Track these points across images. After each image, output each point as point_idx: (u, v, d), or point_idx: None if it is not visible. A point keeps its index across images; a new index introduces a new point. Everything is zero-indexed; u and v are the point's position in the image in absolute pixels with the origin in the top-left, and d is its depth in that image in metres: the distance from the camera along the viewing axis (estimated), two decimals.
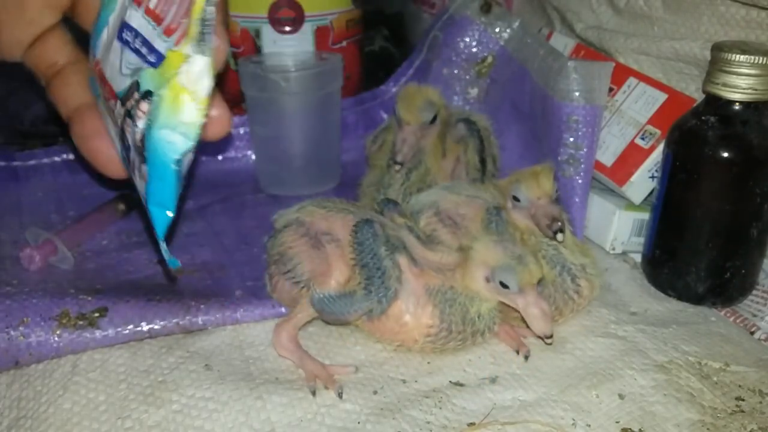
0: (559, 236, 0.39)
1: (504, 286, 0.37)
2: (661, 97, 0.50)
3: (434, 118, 0.50)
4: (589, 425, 0.35)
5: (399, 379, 0.38)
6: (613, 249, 0.51)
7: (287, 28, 0.64)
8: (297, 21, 0.64)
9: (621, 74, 0.53)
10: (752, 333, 0.43)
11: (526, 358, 0.40)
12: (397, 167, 0.49)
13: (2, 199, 0.57)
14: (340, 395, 0.37)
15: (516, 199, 0.41)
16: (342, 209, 0.42)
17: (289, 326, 0.40)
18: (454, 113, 0.53)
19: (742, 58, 0.40)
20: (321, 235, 0.40)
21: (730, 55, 0.40)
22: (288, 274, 0.41)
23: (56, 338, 0.40)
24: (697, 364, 0.39)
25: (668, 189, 0.44)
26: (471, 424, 0.35)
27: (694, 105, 0.45)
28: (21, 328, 0.39)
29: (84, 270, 0.48)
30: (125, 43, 0.31)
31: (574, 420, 0.35)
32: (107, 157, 0.32)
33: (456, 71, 0.63)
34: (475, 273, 0.38)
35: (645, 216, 0.50)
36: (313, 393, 0.37)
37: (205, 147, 0.64)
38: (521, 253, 0.37)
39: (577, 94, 0.49)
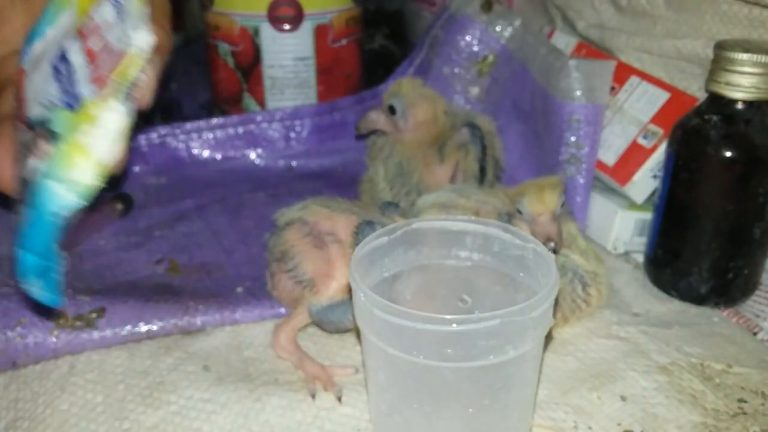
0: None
1: None
2: (664, 96, 0.50)
3: (393, 110, 0.51)
4: (591, 428, 0.35)
5: None
6: (615, 249, 0.51)
7: (286, 27, 0.64)
8: (296, 19, 0.64)
9: (623, 73, 0.53)
10: (755, 334, 0.43)
11: None
12: (356, 132, 0.53)
13: None
14: (339, 399, 0.36)
15: (519, 212, 0.41)
16: (345, 209, 0.41)
17: (288, 327, 0.40)
18: (459, 115, 0.52)
19: (745, 56, 0.40)
20: (324, 235, 0.40)
21: (732, 53, 0.40)
22: (290, 273, 0.40)
23: (54, 339, 0.39)
24: (699, 366, 0.39)
25: (671, 188, 0.44)
26: None
27: (697, 104, 0.45)
28: (18, 329, 0.39)
29: (82, 270, 0.47)
30: (56, 72, 0.30)
31: (575, 422, 0.35)
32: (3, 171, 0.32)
33: (457, 70, 0.63)
34: None
35: (647, 216, 0.49)
36: (313, 396, 0.37)
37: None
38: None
39: (578, 93, 0.48)
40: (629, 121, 0.51)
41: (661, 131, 0.49)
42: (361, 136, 0.55)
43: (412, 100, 0.51)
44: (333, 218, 0.41)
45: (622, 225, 0.50)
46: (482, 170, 0.50)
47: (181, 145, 0.63)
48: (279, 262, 0.41)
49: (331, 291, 0.39)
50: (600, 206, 0.51)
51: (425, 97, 0.51)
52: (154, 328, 0.41)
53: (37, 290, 0.30)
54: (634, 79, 0.52)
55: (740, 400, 0.37)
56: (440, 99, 0.53)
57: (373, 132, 0.54)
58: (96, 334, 0.40)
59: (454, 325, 0.28)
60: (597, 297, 0.42)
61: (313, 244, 0.40)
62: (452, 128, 0.51)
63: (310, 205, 0.42)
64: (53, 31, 0.31)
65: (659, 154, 0.48)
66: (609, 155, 0.51)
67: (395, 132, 0.52)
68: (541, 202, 0.40)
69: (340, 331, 0.41)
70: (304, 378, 0.38)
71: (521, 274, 0.34)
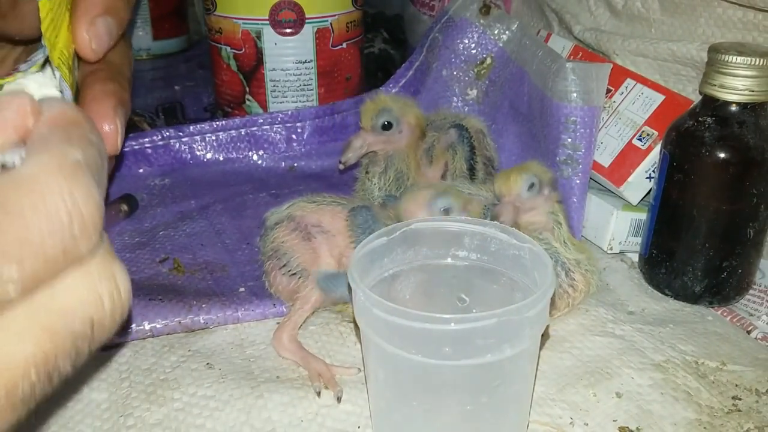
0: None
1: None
2: (659, 98, 0.51)
3: (389, 125, 0.50)
4: (587, 424, 0.35)
5: None
6: (611, 249, 0.51)
7: (288, 30, 0.65)
8: (298, 23, 0.65)
9: (619, 75, 0.53)
10: (749, 332, 0.43)
11: None
12: (341, 166, 0.51)
13: None
14: (339, 399, 0.37)
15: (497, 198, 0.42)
16: (331, 202, 0.43)
17: (288, 327, 0.40)
18: (448, 117, 0.54)
19: (739, 59, 0.40)
20: (311, 227, 0.42)
21: (726, 56, 0.41)
22: (283, 268, 0.42)
23: None
24: (694, 363, 0.40)
25: (665, 189, 0.45)
26: None
27: (691, 106, 0.45)
28: None
29: None
30: None
31: (572, 419, 0.36)
32: None
33: (455, 73, 0.63)
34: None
35: (643, 216, 0.50)
36: (318, 393, 0.37)
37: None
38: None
39: (575, 95, 0.49)
40: (625, 123, 0.52)
41: (655, 133, 0.50)
42: (348, 168, 0.53)
43: (400, 110, 0.52)
44: (319, 211, 0.43)
45: (618, 225, 0.51)
46: (471, 169, 0.51)
47: (185, 147, 0.64)
48: (272, 260, 0.43)
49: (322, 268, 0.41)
50: (596, 207, 0.52)
51: (407, 103, 0.53)
52: (158, 326, 0.42)
53: None
54: (629, 82, 0.53)
55: (734, 398, 0.37)
56: (413, 101, 0.54)
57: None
58: None
59: (453, 324, 0.28)
60: (584, 282, 0.42)
61: (301, 238, 0.42)
62: (440, 130, 0.52)
63: (297, 202, 0.44)
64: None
65: (654, 156, 0.49)
66: (605, 156, 0.52)
67: (388, 145, 0.51)
68: (506, 184, 0.41)
69: (345, 301, 0.42)
70: (308, 375, 0.38)
71: (518, 274, 0.35)
